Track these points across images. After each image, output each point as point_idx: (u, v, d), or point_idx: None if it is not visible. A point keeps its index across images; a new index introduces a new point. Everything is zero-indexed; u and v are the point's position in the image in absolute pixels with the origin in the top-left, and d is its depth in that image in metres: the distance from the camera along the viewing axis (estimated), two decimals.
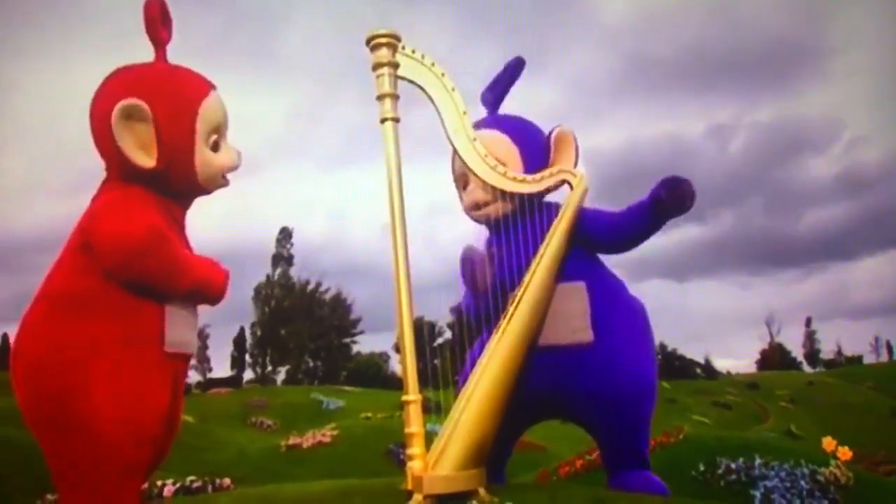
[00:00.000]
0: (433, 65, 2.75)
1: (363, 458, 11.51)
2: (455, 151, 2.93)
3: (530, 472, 6.45)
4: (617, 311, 2.99)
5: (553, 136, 3.15)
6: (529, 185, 3.00)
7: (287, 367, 45.26)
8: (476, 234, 3.25)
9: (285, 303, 43.96)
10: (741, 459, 4.45)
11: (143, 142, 2.48)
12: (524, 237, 2.95)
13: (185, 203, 2.74)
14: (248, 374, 44.60)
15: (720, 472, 4.40)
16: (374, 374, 44.83)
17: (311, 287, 45.70)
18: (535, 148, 3.14)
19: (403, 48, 2.69)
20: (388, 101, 2.63)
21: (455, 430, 2.53)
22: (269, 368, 44.28)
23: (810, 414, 29.63)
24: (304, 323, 43.45)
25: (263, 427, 19.90)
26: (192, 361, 2.90)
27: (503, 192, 2.97)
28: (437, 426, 2.62)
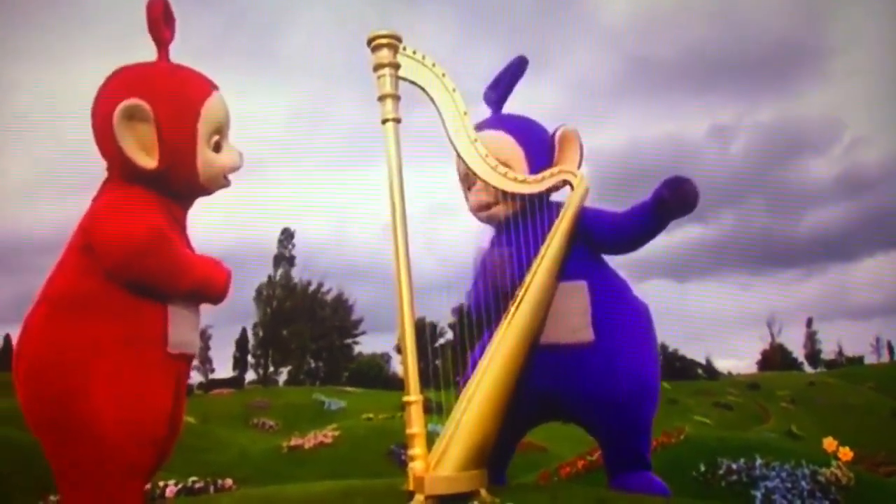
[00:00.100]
0: (434, 65, 2.75)
1: (365, 458, 11.51)
2: (456, 152, 2.93)
3: (531, 473, 6.44)
4: (619, 312, 2.98)
5: (557, 135, 3.15)
6: (530, 185, 3.00)
7: (289, 367, 45.23)
8: (480, 235, 3.26)
9: (287, 304, 43.91)
10: (742, 460, 4.45)
11: (145, 142, 2.48)
12: (530, 237, 2.96)
13: (187, 203, 2.74)
14: (250, 375, 44.60)
15: (721, 472, 4.40)
16: (376, 375, 44.79)
17: (312, 288, 45.66)
18: (539, 147, 3.14)
19: (404, 49, 2.69)
20: (389, 102, 2.64)
21: (456, 430, 2.54)
22: (271, 369, 44.25)
23: (811, 414, 29.56)
24: (305, 324, 43.41)
25: (265, 428, 19.90)
26: (194, 362, 2.90)
27: (504, 193, 2.98)
28: (438, 427, 2.62)
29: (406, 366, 2.53)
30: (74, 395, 2.30)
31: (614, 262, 3.17)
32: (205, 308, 2.71)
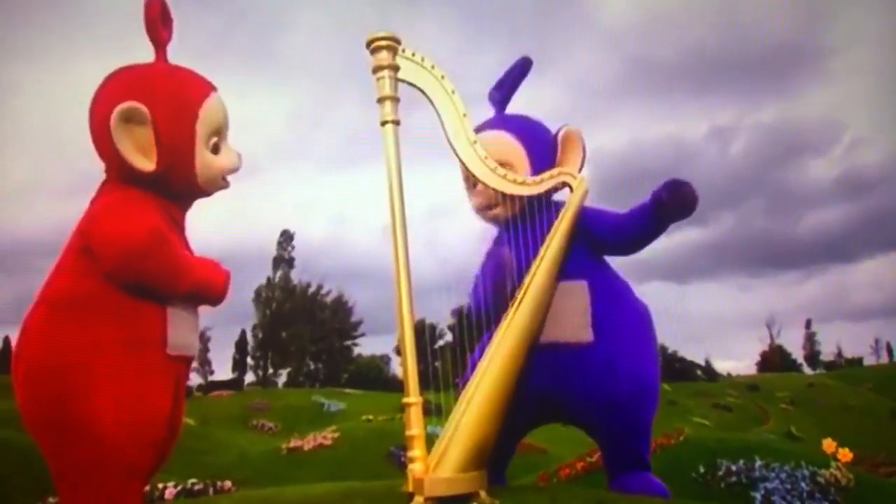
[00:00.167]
0: (433, 67, 2.75)
1: (364, 460, 11.53)
2: (455, 154, 2.94)
3: (531, 475, 6.45)
4: (619, 313, 2.98)
5: (560, 135, 3.16)
6: (529, 187, 3.00)
7: (288, 369, 45.26)
8: (481, 236, 3.26)
9: (286, 305, 43.95)
10: (742, 461, 4.46)
11: (143, 145, 2.47)
12: (530, 238, 2.96)
13: (185, 205, 2.73)
14: (250, 377, 44.62)
15: (721, 473, 4.41)
16: (375, 377, 44.81)
17: (312, 290, 45.74)
18: (541, 148, 3.15)
19: (403, 51, 2.69)
20: (388, 104, 2.64)
21: (456, 432, 2.54)
22: (271, 371, 44.27)
23: (811, 416, 29.59)
24: (305, 326, 43.44)
25: (264, 429, 19.92)
26: (194, 364, 2.90)
27: (504, 195, 2.98)
28: (438, 428, 2.62)
29: (405, 367, 2.52)
30: (73, 396, 2.29)
31: (614, 263, 3.18)
32: (204, 310, 2.70)
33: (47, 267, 2.50)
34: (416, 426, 2.48)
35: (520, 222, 2.98)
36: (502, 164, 2.98)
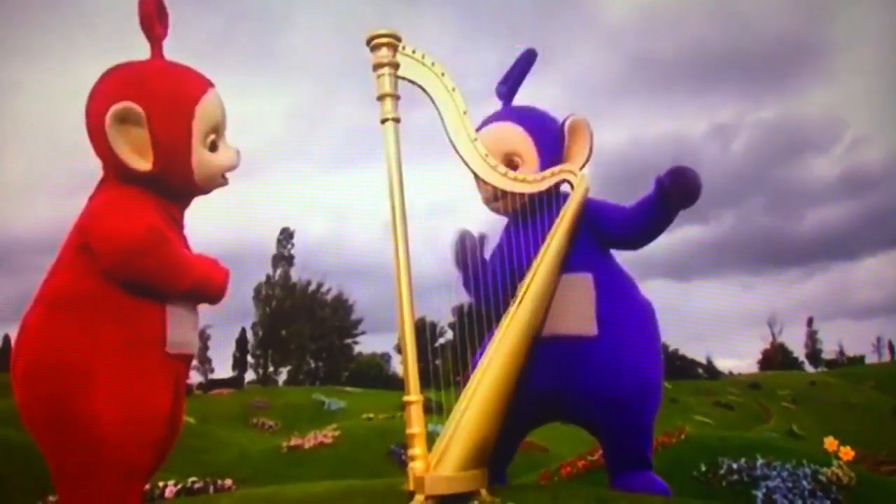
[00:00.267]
0: (433, 64, 2.74)
1: (365, 458, 11.52)
2: (456, 151, 2.93)
3: (532, 473, 6.43)
4: (623, 308, 2.97)
5: (567, 125, 3.16)
6: (530, 184, 2.99)
7: (288, 367, 45.25)
8: (488, 230, 3.27)
9: (286, 303, 43.93)
10: (743, 459, 4.45)
11: (138, 145, 2.45)
12: (533, 233, 2.96)
13: (184, 203, 2.72)
14: (250, 375, 44.63)
15: (722, 472, 4.40)
16: (376, 375, 44.83)
17: (312, 288, 45.70)
18: (549, 138, 3.15)
19: (403, 48, 2.68)
20: (388, 102, 2.63)
21: (457, 430, 2.53)
22: (271, 369, 44.28)
23: (812, 414, 29.57)
24: (305, 324, 43.43)
25: (265, 428, 19.91)
26: (194, 362, 2.89)
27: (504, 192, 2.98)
28: (438, 427, 2.61)
29: (406, 365, 2.52)
30: (73, 395, 2.29)
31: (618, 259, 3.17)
32: (204, 308, 2.70)
33: (46, 265, 2.50)
34: (416, 424, 2.47)
35: (524, 216, 2.99)
36: (510, 155, 3.01)
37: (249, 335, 44.93)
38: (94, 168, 2.60)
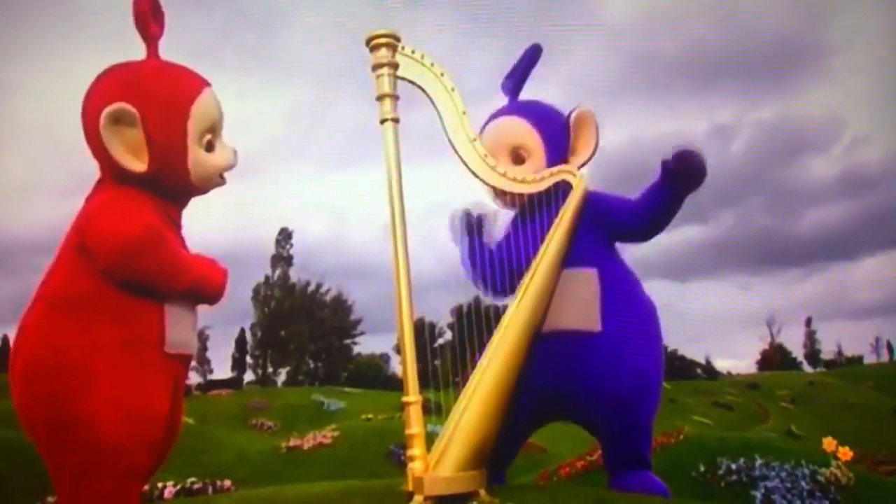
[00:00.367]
0: (433, 65, 2.74)
1: (364, 459, 11.51)
2: (455, 151, 2.93)
3: (531, 473, 6.44)
4: (626, 305, 2.97)
5: (573, 117, 3.16)
6: (529, 185, 3.00)
7: (287, 368, 45.22)
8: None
9: (285, 304, 43.90)
10: (742, 460, 4.46)
11: (133, 146, 2.43)
12: (539, 229, 2.97)
13: (182, 203, 2.70)
14: (249, 376, 44.59)
15: (721, 472, 4.40)
16: (375, 376, 44.80)
17: (311, 288, 45.67)
18: (555, 131, 3.15)
19: (403, 48, 2.69)
20: (387, 102, 2.63)
21: (456, 431, 2.53)
22: (270, 370, 44.25)
23: (811, 414, 29.57)
24: (304, 324, 43.40)
25: (264, 428, 19.90)
26: (192, 363, 2.89)
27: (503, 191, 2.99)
28: (437, 427, 2.62)
29: (405, 366, 2.52)
30: (72, 396, 2.28)
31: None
32: (203, 308, 2.69)
33: (45, 265, 2.49)
34: (415, 425, 2.47)
35: (524, 215, 2.99)
36: (517, 149, 3.04)
37: (248, 336, 44.94)
38: (92, 169, 2.59)
